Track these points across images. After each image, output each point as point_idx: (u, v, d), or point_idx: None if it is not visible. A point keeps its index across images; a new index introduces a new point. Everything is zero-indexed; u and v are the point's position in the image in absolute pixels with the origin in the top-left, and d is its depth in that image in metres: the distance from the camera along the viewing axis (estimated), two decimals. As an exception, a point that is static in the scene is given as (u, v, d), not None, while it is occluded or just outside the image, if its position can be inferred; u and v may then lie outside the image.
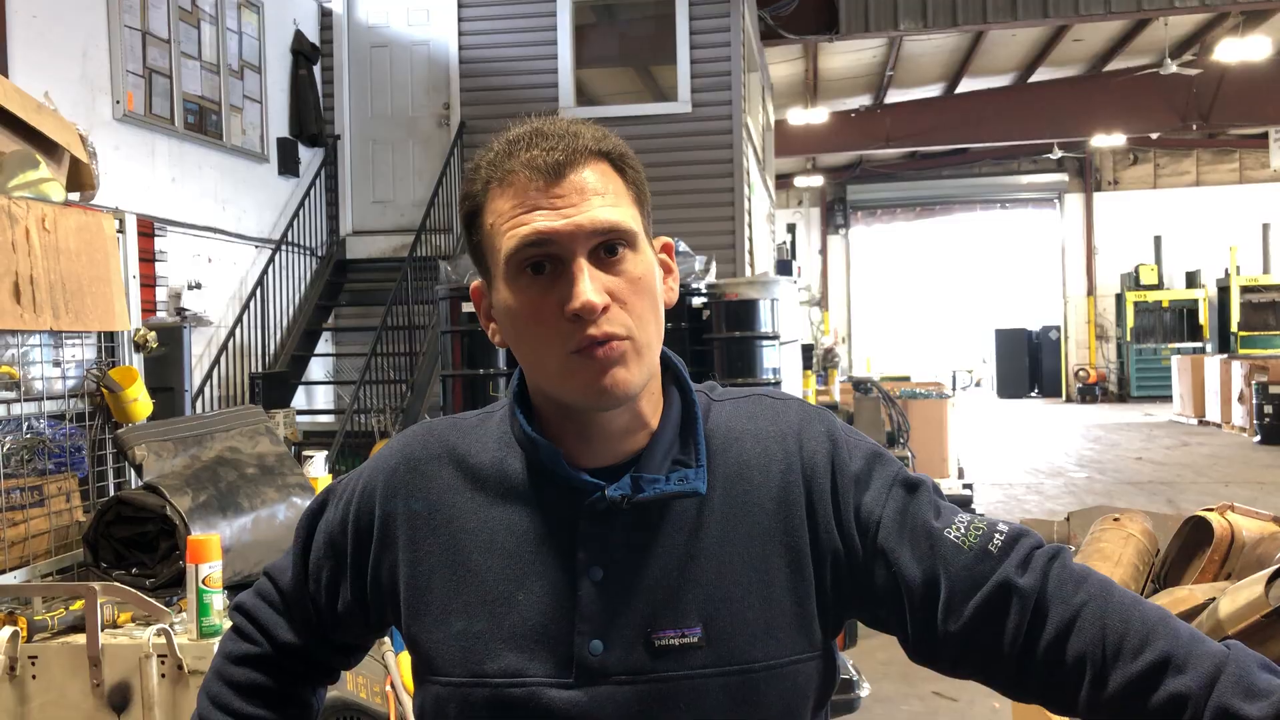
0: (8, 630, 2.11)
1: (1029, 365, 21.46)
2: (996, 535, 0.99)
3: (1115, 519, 2.30)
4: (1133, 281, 19.98)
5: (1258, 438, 12.84)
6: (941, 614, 0.97)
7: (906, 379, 12.96)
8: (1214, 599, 1.76)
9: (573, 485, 1.00)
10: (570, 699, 0.96)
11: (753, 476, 1.02)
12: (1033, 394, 21.44)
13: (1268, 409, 12.74)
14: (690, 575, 0.99)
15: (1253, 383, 13.04)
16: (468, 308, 5.80)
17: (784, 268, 11.44)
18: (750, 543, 1.00)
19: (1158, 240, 20.02)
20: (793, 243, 18.78)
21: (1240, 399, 13.74)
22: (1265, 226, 19.39)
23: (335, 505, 1.12)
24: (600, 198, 0.97)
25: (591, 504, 0.99)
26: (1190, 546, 2.19)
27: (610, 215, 0.96)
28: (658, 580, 0.99)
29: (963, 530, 0.99)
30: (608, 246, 0.97)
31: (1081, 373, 20.50)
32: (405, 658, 2.18)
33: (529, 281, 0.97)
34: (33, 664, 2.12)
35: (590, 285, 0.94)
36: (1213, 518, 2.10)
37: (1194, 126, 16.14)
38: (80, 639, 2.13)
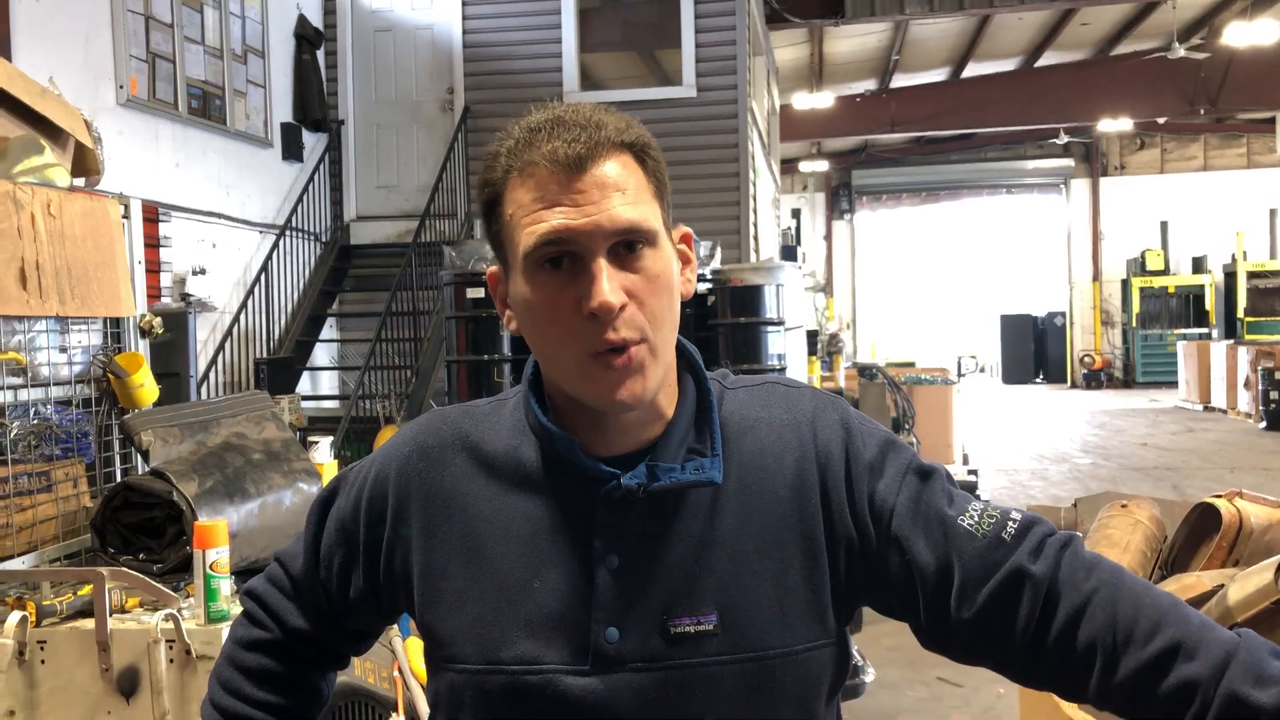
0: (16, 615, 2.12)
1: (1034, 351, 21.41)
2: (1010, 523, 0.99)
3: (1123, 505, 2.30)
4: (1139, 267, 19.91)
5: (1263, 424, 12.83)
6: (955, 601, 0.97)
7: (911, 365, 12.93)
8: (1222, 586, 1.76)
9: (588, 474, 1.00)
10: (586, 686, 0.96)
11: (767, 464, 1.02)
12: (1038, 380, 21.40)
13: (1273, 395, 12.72)
14: (706, 563, 0.99)
15: (1259, 369, 13.01)
16: (472, 293, 5.79)
17: (789, 253, 11.42)
18: (765, 531, 1.00)
19: (1164, 225, 19.94)
20: (798, 228, 18.74)
21: (1246, 385, 13.71)
22: (1272, 212, 19.29)
23: (347, 493, 1.12)
24: (621, 194, 0.96)
25: (607, 492, 0.99)
26: (1198, 533, 2.19)
27: (630, 214, 0.96)
28: (673, 568, 0.99)
29: (976, 518, 0.99)
30: (627, 244, 0.96)
31: (1087, 359, 20.46)
32: (413, 643, 2.18)
33: (547, 277, 0.96)
34: (41, 649, 2.13)
35: (608, 285, 0.93)
36: (1221, 504, 2.09)
37: (1202, 111, 16.06)
38: (89, 624, 2.13)
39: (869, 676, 4.31)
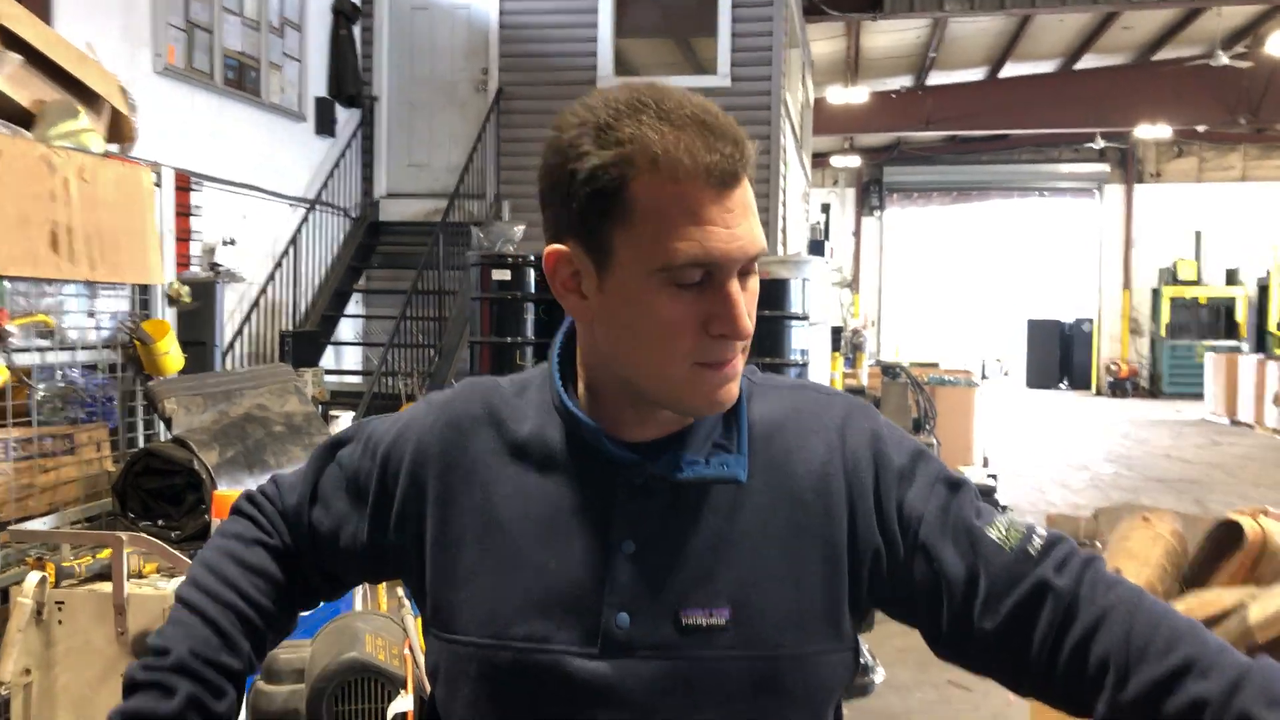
0: (36, 575, 2.14)
1: (1059, 357, 21.23)
2: (1035, 538, 0.99)
3: (1145, 519, 2.28)
4: (1170, 276, 19.69)
5: (1290, 440, 12.68)
6: (979, 611, 0.97)
7: (935, 365, 12.87)
8: (1243, 603, 1.74)
9: (612, 459, 1.00)
10: (594, 669, 0.96)
11: (794, 468, 1.02)
12: (1062, 386, 21.24)
13: (1302, 411, 12.56)
14: (723, 557, 0.98)
15: (1288, 384, 12.85)
16: (498, 275, 5.80)
17: (816, 248, 11.36)
18: (786, 532, 1.00)
19: (1198, 235, 19.69)
20: (826, 223, 18.62)
21: (1275, 400, 13.55)
22: (1311, 225, 19.02)
23: (362, 444, 1.10)
24: (753, 216, 0.96)
25: (629, 478, 0.99)
26: (1220, 549, 2.16)
27: (761, 238, 0.96)
28: (690, 559, 0.98)
29: (1003, 531, 0.99)
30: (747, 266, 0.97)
31: (1113, 366, 20.27)
32: (424, 622, 2.18)
33: (678, 291, 0.93)
34: (59, 609, 2.15)
35: (744, 310, 0.95)
36: (1244, 521, 2.07)
37: (1242, 120, 15.82)
38: (106, 587, 2.16)
39: (878, 676, 4.31)
